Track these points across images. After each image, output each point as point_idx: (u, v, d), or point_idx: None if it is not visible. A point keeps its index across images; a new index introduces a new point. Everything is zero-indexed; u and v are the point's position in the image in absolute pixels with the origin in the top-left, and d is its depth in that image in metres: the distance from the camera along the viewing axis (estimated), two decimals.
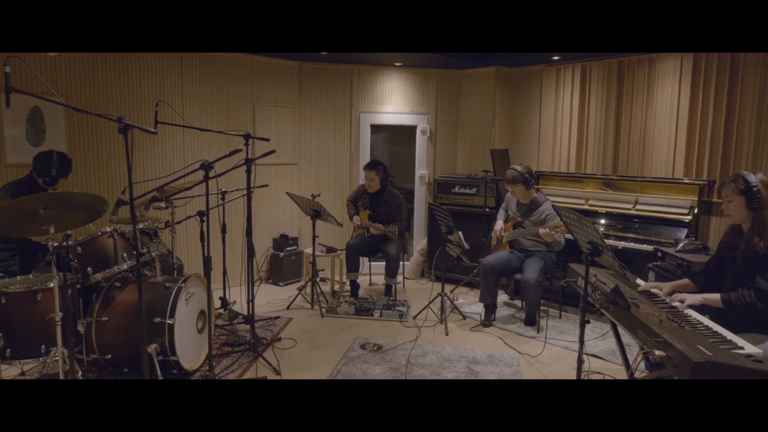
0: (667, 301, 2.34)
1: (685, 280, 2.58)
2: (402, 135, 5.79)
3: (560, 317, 4.26)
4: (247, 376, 3.10)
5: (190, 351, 2.99)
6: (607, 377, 3.15)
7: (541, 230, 3.78)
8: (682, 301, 2.28)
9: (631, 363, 2.54)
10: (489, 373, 3.20)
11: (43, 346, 2.56)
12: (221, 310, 4.07)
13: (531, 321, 4.05)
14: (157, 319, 2.76)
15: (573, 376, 3.13)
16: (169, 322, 2.77)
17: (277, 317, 4.17)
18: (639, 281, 2.65)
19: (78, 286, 2.72)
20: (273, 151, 3.23)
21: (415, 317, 4.21)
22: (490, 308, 4.12)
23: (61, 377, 2.42)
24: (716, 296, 2.27)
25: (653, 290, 2.48)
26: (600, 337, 3.80)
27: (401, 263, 4.81)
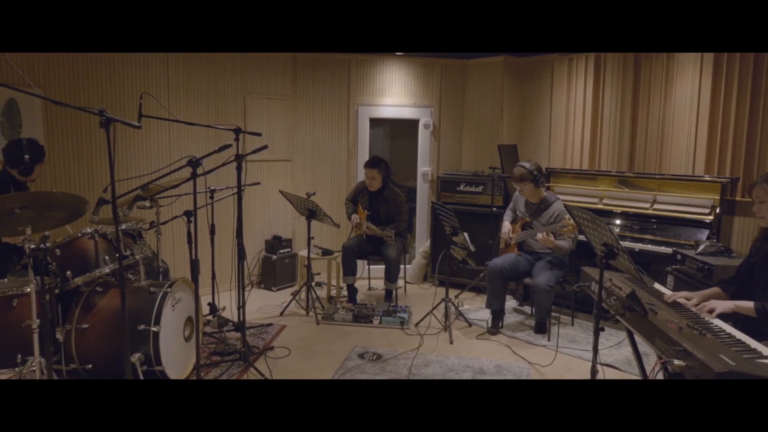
0: (694, 311, 2.29)
1: (715, 289, 2.52)
2: (403, 129, 5.79)
3: (572, 324, 4.27)
4: None
5: (177, 360, 2.99)
6: None
7: (539, 235, 3.77)
8: (711, 311, 2.21)
9: (648, 373, 2.55)
10: None
11: (19, 356, 2.55)
12: (210, 317, 4.07)
13: (541, 328, 4.05)
14: (142, 327, 2.76)
15: None
16: (154, 329, 2.77)
17: (270, 324, 4.17)
18: (657, 286, 2.64)
19: (56, 291, 2.72)
20: (265, 147, 3.23)
21: (417, 324, 4.22)
22: (498, 315, 4.12)
23: None
24: (750, 304, 2.23)
25: (680, 300, 2.43)
26: (615, 346, 3.80)
27: (402, 266, 4.82)
